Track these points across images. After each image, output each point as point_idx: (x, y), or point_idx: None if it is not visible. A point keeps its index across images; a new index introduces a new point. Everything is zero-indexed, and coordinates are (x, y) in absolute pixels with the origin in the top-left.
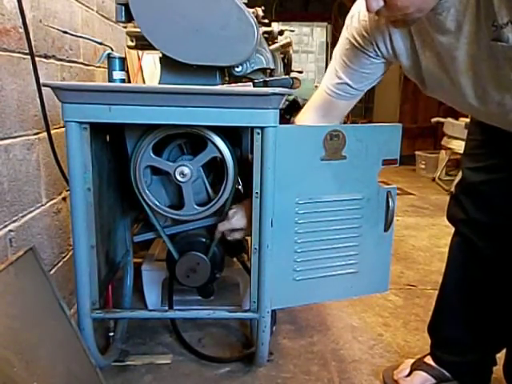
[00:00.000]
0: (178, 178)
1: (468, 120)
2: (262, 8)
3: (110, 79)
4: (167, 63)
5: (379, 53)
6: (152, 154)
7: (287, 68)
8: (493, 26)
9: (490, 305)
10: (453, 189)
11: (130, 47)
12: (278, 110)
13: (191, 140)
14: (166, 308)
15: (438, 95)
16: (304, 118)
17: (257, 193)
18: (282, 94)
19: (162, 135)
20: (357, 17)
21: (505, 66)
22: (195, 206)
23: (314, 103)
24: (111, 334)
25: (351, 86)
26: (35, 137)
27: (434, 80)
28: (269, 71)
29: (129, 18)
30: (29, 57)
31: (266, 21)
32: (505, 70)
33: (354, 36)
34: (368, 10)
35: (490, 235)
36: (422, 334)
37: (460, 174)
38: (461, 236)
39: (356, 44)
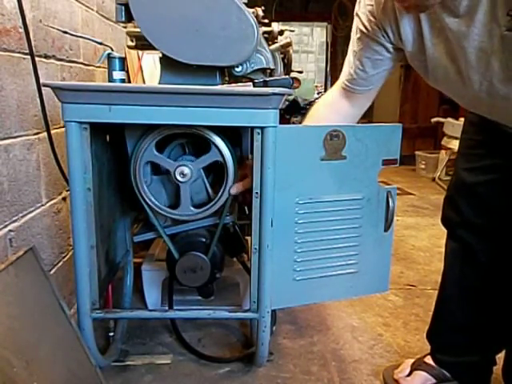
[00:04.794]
0: (178, 177)
1: None
2: (262, 8)
3: (110, 79)
4: (167, 63)
5: (387, 37)
6: (155, 151)
7: (287, 68)
8: (508, 16)
9: (489, 308)
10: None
11: (130, 47)
12: (277, 110)
13: (192, 140)
14: (166, 308)
15: (440, 85)
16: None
17: (257, 193)
18: (282, 94)
19: (162, 135)
20: (363, 2)
21: None
22: (191, 208)
23: (328, 100)
24: (111, 334)
25: (365, 73)
26: (35, 137)
27: (439, 68)
28: (269, 71)
29: (129, 17)
30: (29, 57)
31: (266, 21)
32: None
33: (362, 22)
34: None
35: (487, 237)
36: (422, 334)
37: (454, 174)
38: (456, 240)
39: (364, 30)
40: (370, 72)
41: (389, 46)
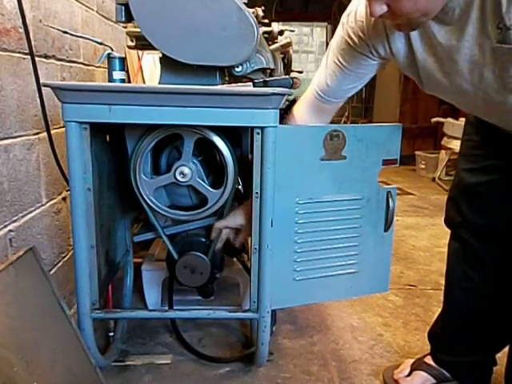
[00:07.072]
0: (178, 177)
1: None
2: (262, 8)
3: (110, 79)
4: (167, 63)
5: (375, 53)
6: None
7: (287, 68)
8: (498, 29)
9: (492, 308)
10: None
11: (130, 47)
12: (277, 110)
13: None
14: (166, 308)
15: (435, 93)
16: (299, 112)
17: (257, 193)
18: (282, 94)
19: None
20: (353, 16)
21: (510, 69)
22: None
23: (306, 101)
24: (111, 333)
25: (342, 88)
26: (35, 137)
27: (432, 80)
28: (269, 71)
29: (129, 17)
30: (29, 57)
31: (266, 21)
32: (510, 72)
33: (349, 35)
34: (371, 14)
35: (488, 238)
36: (422, 334)
37: (456, 175)
38: (459, 240)
39: (352, 44)
40: (350, 84)
41: (373, 61)
